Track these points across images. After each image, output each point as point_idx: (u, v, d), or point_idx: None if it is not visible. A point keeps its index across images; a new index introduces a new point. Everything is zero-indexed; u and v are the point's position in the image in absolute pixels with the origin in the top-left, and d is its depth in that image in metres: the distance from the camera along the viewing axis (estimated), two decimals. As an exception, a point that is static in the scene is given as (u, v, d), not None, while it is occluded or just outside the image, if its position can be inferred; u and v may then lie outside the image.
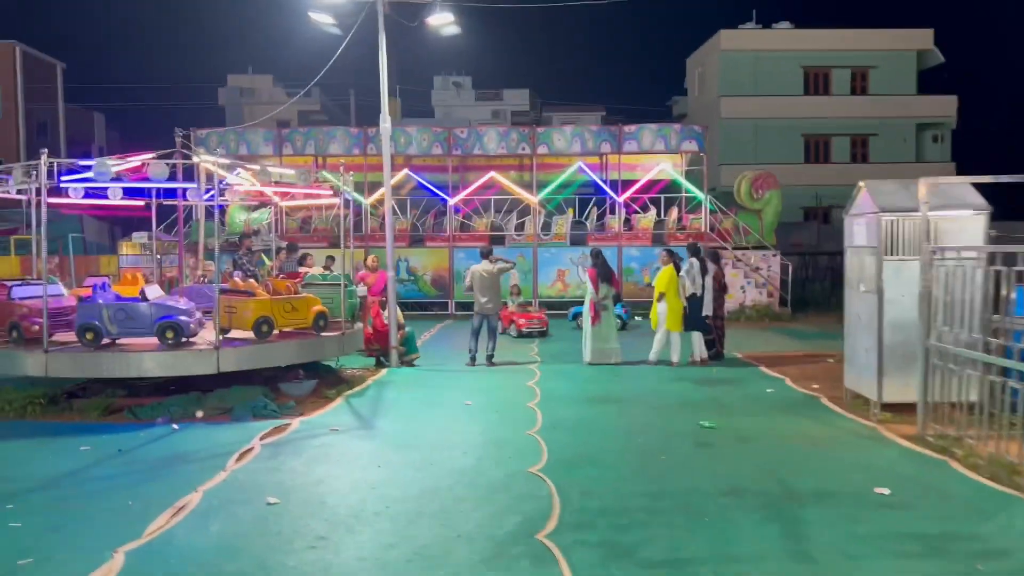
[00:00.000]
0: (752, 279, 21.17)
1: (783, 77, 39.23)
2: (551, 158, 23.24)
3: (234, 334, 9.74)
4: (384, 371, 12.08)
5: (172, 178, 10.13)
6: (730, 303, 18.66)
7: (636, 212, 22.00)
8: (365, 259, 13.26)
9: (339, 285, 10.84)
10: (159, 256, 15.79)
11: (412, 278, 21.28)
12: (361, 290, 12.61)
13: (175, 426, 8.35)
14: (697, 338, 12.46)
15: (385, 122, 12.41)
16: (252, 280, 10.72)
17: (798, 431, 8.10)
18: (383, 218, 23.29)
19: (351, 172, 12.20)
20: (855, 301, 9.20)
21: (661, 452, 7.30)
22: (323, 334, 10.22)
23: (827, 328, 18.00)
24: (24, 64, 38.04)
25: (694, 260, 12.48)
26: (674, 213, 22.08)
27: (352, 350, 11.13)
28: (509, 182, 21.68)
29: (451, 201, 21.33)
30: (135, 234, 19.63)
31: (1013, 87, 47.26)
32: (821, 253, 27.58)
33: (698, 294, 12.42)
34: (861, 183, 8.92)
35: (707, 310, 12.48)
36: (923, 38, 39.67)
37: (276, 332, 9.75)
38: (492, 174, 21.35)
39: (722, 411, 9.06)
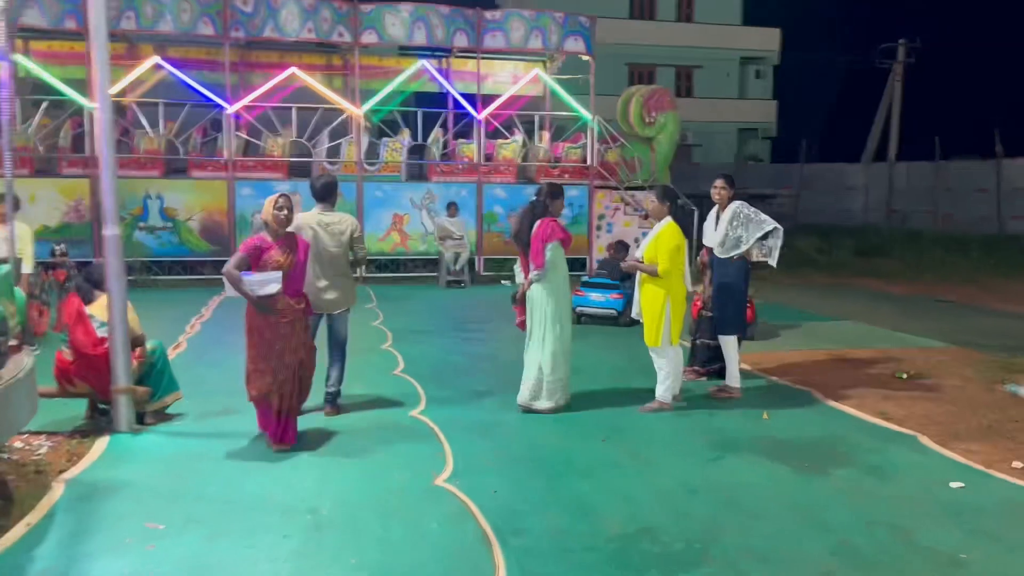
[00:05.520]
0: (646, 229, 16.11)
1: (608, -2, 35.52)
2: (374, 59, 16.65)
3: None
4: (101, 445, 5.48)
5: None
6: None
7: (498, 136, 16.08)
8: (272, 208, 5.48)
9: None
10: None
11: (170, 224, 14.06)
12: (266, 285, 5.31)
13: None
14: (731, 348, 6.83)
15: None
16: None
17: None
18: (121, 131, 15.61)
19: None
20: None
21: None
22: None
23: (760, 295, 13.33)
24: None
25: (740, 206, 6.78)
26: (545, 139, 16.42)
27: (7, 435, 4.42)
28: (319, 85, 14.88)
29: (229, 109, 14.19)
30: None
31: (835, 22, 46.18)
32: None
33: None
34: None
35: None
36: (750, -38, 37.57)
37: None
38: (293, 70, 14.43)
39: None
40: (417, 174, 15.24)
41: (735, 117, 38.80)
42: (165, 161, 14.25)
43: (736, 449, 5.56)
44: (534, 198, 6.59)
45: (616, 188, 15.82)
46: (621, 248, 12.20)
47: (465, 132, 15.91)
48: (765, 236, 6.59)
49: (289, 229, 6.10)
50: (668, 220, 6.43)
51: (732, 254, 6.64)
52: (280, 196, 5.49)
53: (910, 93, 32.55)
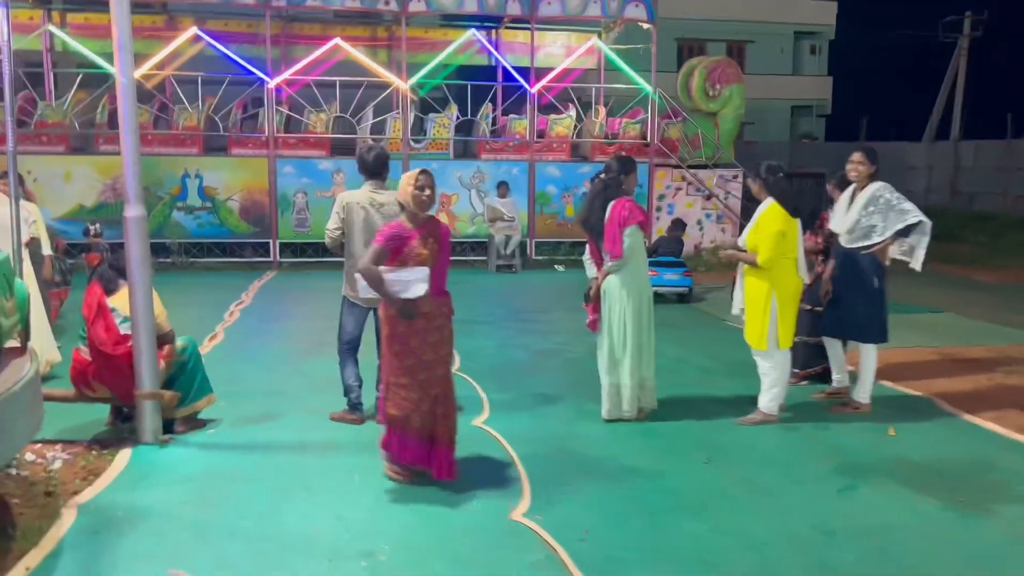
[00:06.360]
0: (709, 210, 15.12)
1: (656, -32, 34.04)
2: (420, 31, 15.79)
3: None
4: (123, 459, 4.76)
5: None
6: (687, 244, 12.58)
7: (550, 112, 15.14)
8: (412, 187, 4.32)
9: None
10: None
11: (209, 205, 13.38)
12: (413, 284, 4.24)
13: None
14: (868, 357, 5.86)
15: None
16: None
17: None
18: (159, 107, 15.00)
19: None
20: None
21: None
22: None
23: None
24: None
25: (881, 188, 5.65)
26: (601, 114, 15.43)
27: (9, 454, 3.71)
28: (364, 57, 14.06)
29: (270, 83, 13.44)
30: None
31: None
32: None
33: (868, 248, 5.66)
34: None
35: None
36: (805, -70, 35.91)
37: None
38: (336, 42, 13.62)
39: None
40: (465, 152, 14.36)
41: (789, 94, 37.24)
42: (204, 138, 13.57)
43: (867, 474, 4.64)
44: (602, 175, 5.66)
45: (678, 167, 14.80)
46: (678, 226, 11.65)
47: (516, 107, 14.98)
48: (907, 231, 5.61)
49: (335, 209, 5.34)
50: (771, 201, 5.46)
51: (860, 244, 5.66)
52: (421, 172, 4.34)
53: (976, 68, 30.77)
